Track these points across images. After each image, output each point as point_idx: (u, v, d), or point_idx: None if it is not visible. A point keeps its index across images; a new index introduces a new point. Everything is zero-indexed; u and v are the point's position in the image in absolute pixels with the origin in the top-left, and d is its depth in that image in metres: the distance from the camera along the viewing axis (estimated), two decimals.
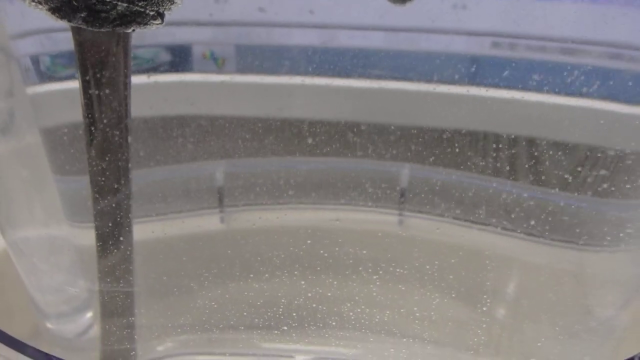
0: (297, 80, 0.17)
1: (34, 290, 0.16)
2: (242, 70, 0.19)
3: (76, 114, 0.14)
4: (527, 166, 0.14)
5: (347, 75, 0.18)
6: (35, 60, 0.15)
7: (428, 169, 0.17)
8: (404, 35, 0.16)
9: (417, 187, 0.18)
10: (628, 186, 0.13)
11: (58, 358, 0.12)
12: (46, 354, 0.12)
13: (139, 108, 0.16)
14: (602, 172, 0.13)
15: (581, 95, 0.14)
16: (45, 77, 0.15)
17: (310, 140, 0.17)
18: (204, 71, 0.19)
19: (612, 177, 0.14)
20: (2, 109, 0.16)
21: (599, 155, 0.14)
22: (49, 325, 0.16)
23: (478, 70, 0.15)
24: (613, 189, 0.14)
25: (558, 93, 0.14)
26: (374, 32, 0.17)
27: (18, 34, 0.15)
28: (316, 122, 0.18)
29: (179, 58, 0.18)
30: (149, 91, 0.17)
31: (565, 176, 0.14)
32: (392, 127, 0.17)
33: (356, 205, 0.18)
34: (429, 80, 0.16)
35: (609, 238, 0.14)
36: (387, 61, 0.17)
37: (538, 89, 0.14)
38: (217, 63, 0.21)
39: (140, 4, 0.12)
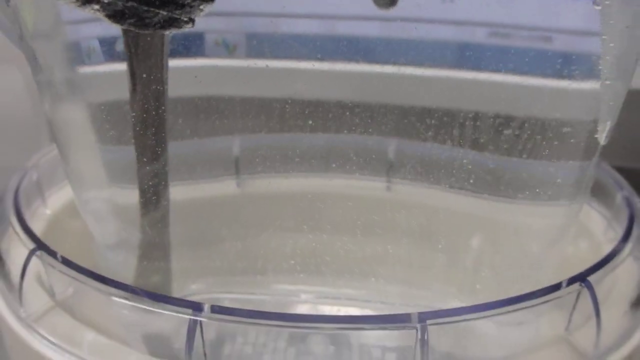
0: (299, 65, 0.20)
1: (97, 233, 0.20)
2: (251, 55, 0.23)
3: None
4: (475, 137, 0.18)
5: (345, 60, 0.21)
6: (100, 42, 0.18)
7: (407, 143, 0.20)
8: (395, 24, 0.20)
9: (402, 159, 0.21)
10: (550, 151, 0.17)
11: (143, 290, 0.16)
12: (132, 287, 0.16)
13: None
14: (537, 137, 0.17)
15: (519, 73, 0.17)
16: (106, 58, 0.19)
17: (310, 121, 0.21)
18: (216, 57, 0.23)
19: (543, 143, 0.17)
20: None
21: (533, 124, 0.17)
22: (107, 263, 0.20)
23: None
24: (546, 152, 0.17)
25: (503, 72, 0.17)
26: (368, 21, 0.20)
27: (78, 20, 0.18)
28: (318, 102, 0.21)
29: (195, 45, 0.22)
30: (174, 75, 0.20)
31: (508, 144, 0.18)
32: (380, 107, 0.21)
33: (350, 173, 0.22)
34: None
35: (541, 194, 0.18)
36: (379, 48, 0.20)
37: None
38: (228, 49, 0.24)
39: (176, 12, 0.16)
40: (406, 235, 0.21)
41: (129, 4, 0.15)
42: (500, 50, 0.18)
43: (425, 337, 0.14)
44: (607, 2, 0.15)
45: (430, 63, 0.19)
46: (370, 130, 0.21)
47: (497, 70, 0.18)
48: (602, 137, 0.17)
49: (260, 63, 0.21)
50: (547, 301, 0.16)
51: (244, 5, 0.21)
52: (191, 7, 0.16)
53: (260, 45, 0.22)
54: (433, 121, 0.19)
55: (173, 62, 0.18)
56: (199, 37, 0.22)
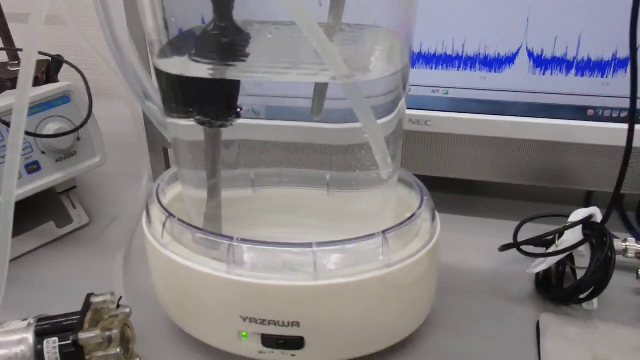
0: (295, 124, 0.44)
1: (190, 207, 0.44)
2: (268, 118, 0.47)
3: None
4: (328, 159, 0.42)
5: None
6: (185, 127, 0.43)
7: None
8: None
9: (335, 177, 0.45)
10: (370, 163, 0.41)
11: (209, 230, 0.40)
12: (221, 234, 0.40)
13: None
14: (349, 152, 0.41)
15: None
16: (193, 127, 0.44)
17: (301, 157, 0.45)
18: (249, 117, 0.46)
19: (367, 163, 0.41)
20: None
21: (359, 152, 0.41)
22: (194, 221, 0.44)
23: None
24: (368, 163, 0.41)
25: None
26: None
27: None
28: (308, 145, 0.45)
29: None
30: None
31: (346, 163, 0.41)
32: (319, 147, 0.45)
33: (313, 186, 0.46)
34: None
35: (366, 187, 0.42)
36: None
37: None
38: (255, 113, 0.48)
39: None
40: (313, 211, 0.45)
41: (206, 119, 0.40)
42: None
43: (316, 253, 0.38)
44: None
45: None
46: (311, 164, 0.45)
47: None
48: (381, 165, 0.39)
49: (273, 123, 0.45)
50: (371, 239, 0.39)
51: (265, 91, 0.44)
52: (231, 122, 0.40)
53: (273, 112, 0.46)
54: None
55: None
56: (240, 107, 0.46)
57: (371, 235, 0.39)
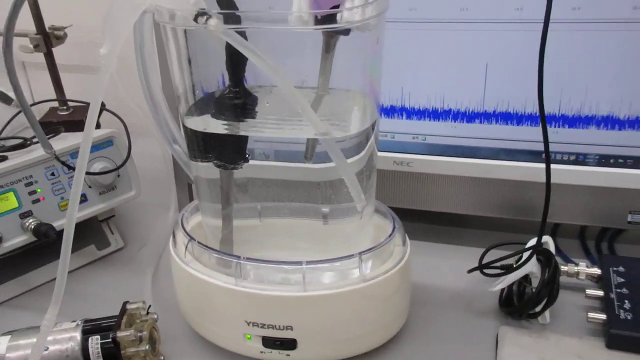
0: (292, 164, 0.54)
1: (209, 232, 0.55)
2: (280, 160, 0.57)
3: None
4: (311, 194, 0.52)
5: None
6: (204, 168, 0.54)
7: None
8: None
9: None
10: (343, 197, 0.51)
11: (222, 251, 0.51)
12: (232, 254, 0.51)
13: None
14: (331, 189, 0.51)
15: None
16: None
17: (293, 194, 0.55)
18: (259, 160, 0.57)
19: (334, 193, 0.51)
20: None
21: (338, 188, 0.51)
22: (212, 244, 0.55)
23: None
24: (342, 198, 0.51)
25: None
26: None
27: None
28: (298, 183, 0.56)
29: (251, 154, 0.55)
30: None
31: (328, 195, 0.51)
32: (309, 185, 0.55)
33: (307, 216, 0.56)
34: None
35: (347, 216, 0.52)
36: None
37: None
38: (265, 156, 0.59)
39: (239, 164, 0.50)
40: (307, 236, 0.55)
41: (222, 163, 0.50)
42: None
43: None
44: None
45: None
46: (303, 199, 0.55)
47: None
48: (355, 199, 0.49)
49: (275, 163, 0.56)
50: (350, 258, 0.49)
51: (278, 139, 0.54)
52: (241, 165, 0.50)
53: (280, 154, 0.56)
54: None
55: None
56: (251, 152, 0.57)
57: (350, 256, 0.49)
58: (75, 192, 0.42)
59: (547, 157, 0.48)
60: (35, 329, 0.51)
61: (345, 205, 0.51)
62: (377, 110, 0.50)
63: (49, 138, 0.62)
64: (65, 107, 0.90)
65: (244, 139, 0.49)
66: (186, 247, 0.53)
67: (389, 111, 0.65)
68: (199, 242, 0.52)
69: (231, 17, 0.42)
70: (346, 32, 0.44)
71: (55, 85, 0.89)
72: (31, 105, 0.74)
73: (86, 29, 0.97)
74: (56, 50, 0.88)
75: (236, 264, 0.49)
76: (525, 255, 0.55)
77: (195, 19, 0.40)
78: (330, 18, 0.42)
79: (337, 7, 0.42)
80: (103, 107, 0.80)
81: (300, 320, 0.49)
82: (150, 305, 0.54)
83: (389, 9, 0.44)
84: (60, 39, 0.88)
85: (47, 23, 0.86)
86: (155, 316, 0.54)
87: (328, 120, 0.46)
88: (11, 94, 0.89)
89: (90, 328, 0.51)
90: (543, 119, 0.45)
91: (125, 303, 0.53)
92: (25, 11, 0.80)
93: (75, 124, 0.84)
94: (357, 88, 0.50)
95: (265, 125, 0.48)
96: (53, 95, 0.89)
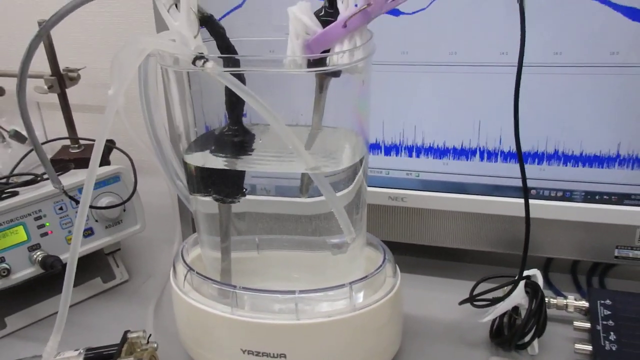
0: (286, 199, 0.57)
1: (208, 264, 0.57)
2: (278, 194, 0.60)
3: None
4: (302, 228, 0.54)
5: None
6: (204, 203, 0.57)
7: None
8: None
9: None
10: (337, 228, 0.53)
11: (221, 282, 0.53)
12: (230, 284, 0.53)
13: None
14: (323, 222, 0.53)
15: None
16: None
17: (289, 226, 0.58)
18: (260, 195, 0.60)
19: (333, 228, 0.53)
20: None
21: (327, 220, 0.53)
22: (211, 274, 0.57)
23: None
24: (334, 229, 0.53)
25: None
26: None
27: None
28: (289, 216, 0.58)
29: (252, 190, 0.58)
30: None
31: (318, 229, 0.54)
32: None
33: (302, 249, 0.58)
34: None
35: (338, 250, 0.54)
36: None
37: None
38: (266, 192, 0.62)
39: (236, 198, 0.53)
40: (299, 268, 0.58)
41: (220, 197, 0.53)
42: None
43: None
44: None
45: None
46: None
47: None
48: (345, 232, 0.51)
49: (272, 198, 0.58)
50: (340, 288, 0.51)
51: (274, 174, 0.57)
52: (238, 199, 0.53)
53: (282, 189, 0.59)
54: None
55: None
56: (253, 187, 0.60)
57: (341, 285, 0.51)
58: (79, 222, 0.45)
59: (525, 192, 0.50)
60: (37, 358, 0.53)
61: (338, 237, 0.53)
62: (365, 146, 0.53)
63: (59, 174, 0.65)
64: (76, 145, 0.94)
65: (242, 173, 0.52)
66: (185, 277, 0.55)
67: (386, 149, 0.68)
68: (197, 273, 0.54)
69: (231, 61, 0.46)
70: (337, 74, 0.48)
71: (67, 124, 0.93)
72: (43, 143, 0.77)
73: (99, 70, 1.02)
74: (69, 91, 0.92)
75: (232, 293, 0.51)
76: (518, 288, 0.57)
77: (194, 62, 0.43)
78: (322, 61, 0.46)
79: (327, 51, 0.46)
80: (113, 145, 0.84)
81: (293, 348, 0.51)
82: (150, 335, 0.56)
83: (374, 52, 0.48)
84: (74, 80, 0.92)
85: (62, 65, 0.91)
86: (155, 345, 0.56)
87: (322, 156, 0.49)
88: (25, 133, 0.93)
89: (92, 356, 0.54)
90: (520, 157, 0.48)
91: (126, 332, 0.56)
92: (40, 53, 0.85)
93: (86, 161, 0.86)
94: (347, 126, 0.53)
95: (261, 161, 0.51)
96: (66, 134, 0.93)
